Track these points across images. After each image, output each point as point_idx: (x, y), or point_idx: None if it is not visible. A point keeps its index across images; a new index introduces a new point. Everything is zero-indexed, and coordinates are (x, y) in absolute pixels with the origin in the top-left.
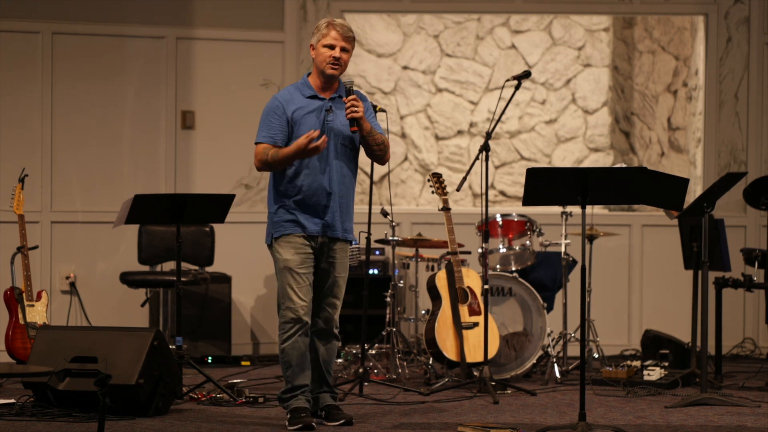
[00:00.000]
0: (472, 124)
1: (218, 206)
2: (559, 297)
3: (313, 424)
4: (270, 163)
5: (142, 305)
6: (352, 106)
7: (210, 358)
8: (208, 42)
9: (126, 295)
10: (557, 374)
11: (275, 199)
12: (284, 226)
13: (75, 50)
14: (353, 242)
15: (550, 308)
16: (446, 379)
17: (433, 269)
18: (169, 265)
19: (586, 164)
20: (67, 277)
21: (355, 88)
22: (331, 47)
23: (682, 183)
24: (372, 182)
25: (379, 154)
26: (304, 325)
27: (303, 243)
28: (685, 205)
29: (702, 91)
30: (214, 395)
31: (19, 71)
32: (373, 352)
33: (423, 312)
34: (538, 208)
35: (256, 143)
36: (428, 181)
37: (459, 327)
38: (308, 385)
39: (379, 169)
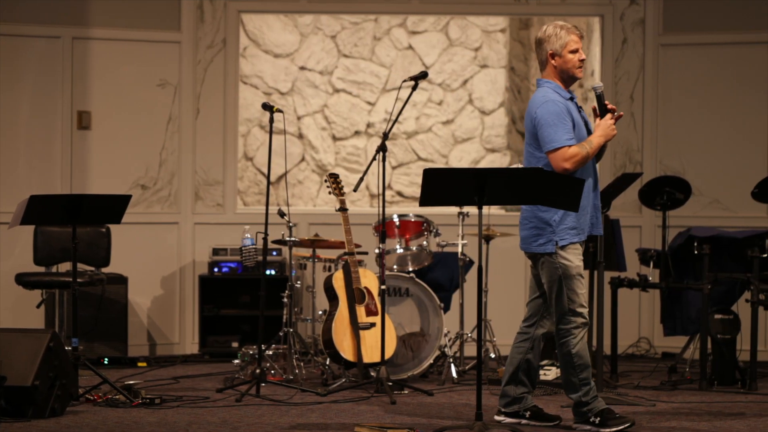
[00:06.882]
0: (369, 125)
1: (114, 207)
2: (455, 297)
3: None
4: (585, 160)
5: (38, 306)
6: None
7: (106, 359)
8: (105, 42)
9: (22, 296)
10: (454, 374)
11: None
12: (571, 234)
13: None
14: None
15: (446, 308)
16: (343, 380)
17: (330, 270)
18: (66, 266)
19: (482, 165)
20: None
21: None
22: (575, 51)
23: (578, 183)
24: (269, 182)
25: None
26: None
27: (581, 250)
28: None
29: None
30: (110, 396)
31: None
32: (270, 352)
33: (320, 312)
34: (434, 209)
35: (565, 146)
36: (325, 181)
37: (356, 327)
38: None
39: (276, 170)
